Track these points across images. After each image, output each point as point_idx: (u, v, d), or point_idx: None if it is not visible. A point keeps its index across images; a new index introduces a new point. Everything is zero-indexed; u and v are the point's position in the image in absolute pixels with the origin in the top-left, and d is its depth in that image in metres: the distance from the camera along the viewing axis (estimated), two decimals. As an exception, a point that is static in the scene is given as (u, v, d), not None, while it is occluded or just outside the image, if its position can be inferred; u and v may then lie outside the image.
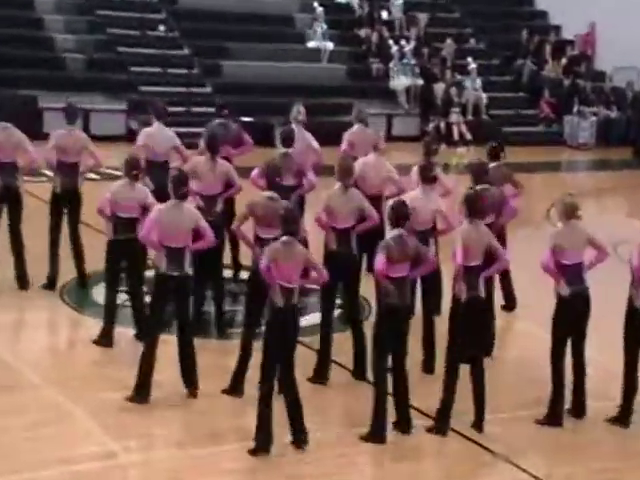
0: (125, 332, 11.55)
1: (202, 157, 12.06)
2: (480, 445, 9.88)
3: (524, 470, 9.41)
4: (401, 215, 9.49)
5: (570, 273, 10.08)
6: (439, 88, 25.73)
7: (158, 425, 10.04)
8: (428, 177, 11.16)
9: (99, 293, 12.55)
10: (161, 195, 10.84)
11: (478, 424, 10.01)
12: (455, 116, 25.23)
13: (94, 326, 11.77)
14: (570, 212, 10.15)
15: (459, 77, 26.23)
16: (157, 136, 13.20)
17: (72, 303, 12.98)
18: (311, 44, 26.72)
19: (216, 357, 11.17)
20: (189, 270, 10.22)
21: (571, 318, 10.23)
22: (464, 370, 9.95)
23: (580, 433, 10.42)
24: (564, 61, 27.58)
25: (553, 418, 10.14)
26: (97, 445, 9.46)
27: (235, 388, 10.22)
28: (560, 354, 10.18)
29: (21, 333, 12.98)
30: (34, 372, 11.14)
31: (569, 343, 10.23)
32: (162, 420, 10.07)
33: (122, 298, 11.80)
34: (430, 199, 11.09)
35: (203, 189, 11.66)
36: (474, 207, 9.74)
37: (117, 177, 11.89)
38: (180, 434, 9.94)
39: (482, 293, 9.83)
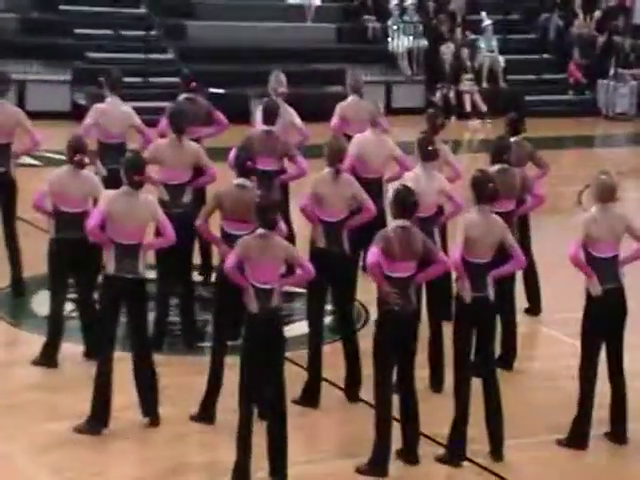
0: (72, 349, 11.47)
1: (165, 139, 12.05)
2: (499, 476, 9.97)
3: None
4: (408, 204, 9.29)
5: (604, 268, 10.06)
6: (447, 50, 25.83)
7: (113, 460, 10.05)
8: (429, 152, 11.08)
9: (40, 303, 12.59)
10: (117, 185, 10.52)
11: (496, 451, 10.03)
12: (467, 83, 25.39)
13: (34, 342, 11.67)
14: (606, 194, 10.00)
15: (471, 36, 26.33)
16: (111, 113, 13.17)
17: (6, 315, 12.97)
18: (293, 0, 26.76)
19: (184, 376, 11.15)
20: (144, 272, 10.10)
21: (604, 321, 10.24)
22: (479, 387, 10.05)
23: (620, 459, 10.52)
24: (597, 15, 27.67)
25: (576, 438, 10.20)
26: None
27: (205, 413, 10.24)
28: (591, 363, 10.20)
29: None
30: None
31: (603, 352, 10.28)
32: (118, 454, 10.08)
33: (68, 308, 11.73)
34: (433, 179, 11.06)
35: (167, 177, 11.71)
36: (483, 191, 9.56)
37: (61, 163, 11.86)
38: (139, 471, 9.89)
39: (491, 295, 9.78)
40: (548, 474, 9.97)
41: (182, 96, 13.66)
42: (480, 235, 9.59)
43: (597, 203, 9.98)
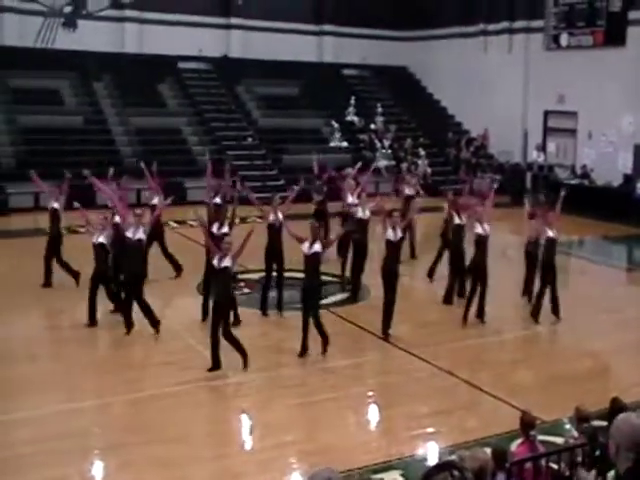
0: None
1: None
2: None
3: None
4: None
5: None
6: (404, 166, 25.73)
7: (255, 358, 9.98)
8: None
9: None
10: None
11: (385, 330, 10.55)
12: (413, 181, 25.28)
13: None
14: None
15: (415, 159, 26.30)
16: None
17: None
18: (332, 144, 26.86)
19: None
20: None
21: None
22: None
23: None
24: (472, 149, 27.61)
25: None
26: (215, 371, 9.52)
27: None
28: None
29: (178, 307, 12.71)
30: (183, 330, 11.20)
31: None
32: (255, 355, 10.06)
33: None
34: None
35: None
36: None
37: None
38: (261, 362, 9.95)
39: None
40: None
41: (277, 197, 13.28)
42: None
43: None
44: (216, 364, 9.20)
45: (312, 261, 9.65)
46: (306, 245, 9.71)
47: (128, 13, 26.81)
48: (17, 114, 23.18)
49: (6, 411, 8.26)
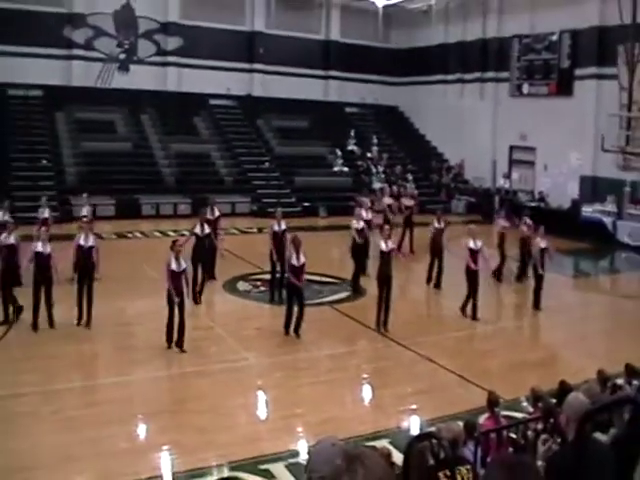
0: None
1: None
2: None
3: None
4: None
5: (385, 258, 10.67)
6: (395, 188, 25.75)
7: (270, 345, 10.14)
8: None
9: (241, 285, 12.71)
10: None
11: (385, 324, 10.50)
12: (403, 200, 25.19)
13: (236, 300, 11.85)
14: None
15: (404, 182, 26.26)
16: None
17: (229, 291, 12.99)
18: (335, 169, 26.77)
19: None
20: None
21: (382, 278, 10.49)
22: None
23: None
24: (451, 175, 27.61)
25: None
26: (238, 354, 9.58)
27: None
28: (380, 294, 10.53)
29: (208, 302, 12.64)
30: (212, 321, 11.33)
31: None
32: (270, 343, 10.21)
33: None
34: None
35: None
36: None
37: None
38: (275, 348, 10.03)
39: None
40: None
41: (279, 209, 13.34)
42: None
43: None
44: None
45: (301, 269, 9.82)
46: (294, 257, 9.77)
47: (170, 59, 27.21)
48: (81, 141, 23.57)
49: (71, 380, 8.41)
